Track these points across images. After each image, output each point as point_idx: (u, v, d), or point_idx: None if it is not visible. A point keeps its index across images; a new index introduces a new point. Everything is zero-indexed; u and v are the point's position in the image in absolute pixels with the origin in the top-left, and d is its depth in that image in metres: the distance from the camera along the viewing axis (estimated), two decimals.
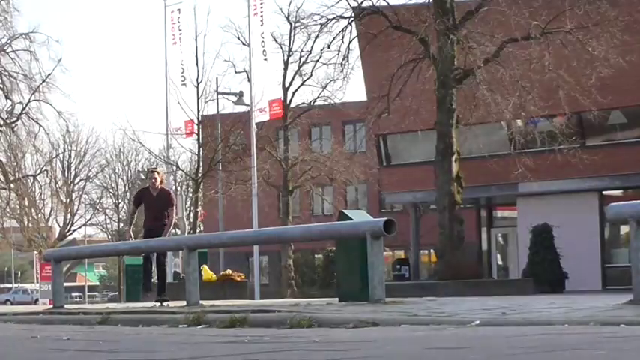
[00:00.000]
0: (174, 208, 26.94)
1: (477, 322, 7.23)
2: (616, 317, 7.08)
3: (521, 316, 7.98)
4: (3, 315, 15.01)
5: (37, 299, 65.79)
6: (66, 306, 17.26)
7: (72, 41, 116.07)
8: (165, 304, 21.32)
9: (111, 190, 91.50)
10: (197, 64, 59.72)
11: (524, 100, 47.28)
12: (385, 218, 13.42)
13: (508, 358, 4.74)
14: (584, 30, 45.26)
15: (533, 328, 6.58)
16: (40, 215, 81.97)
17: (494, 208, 58.88)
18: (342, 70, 54.92)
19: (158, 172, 26.61)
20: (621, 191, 49.56)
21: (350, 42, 51.73)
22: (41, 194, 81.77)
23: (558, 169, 51.33)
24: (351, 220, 16.05)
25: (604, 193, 50.36)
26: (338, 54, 52.72)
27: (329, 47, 53.43)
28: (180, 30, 54.26)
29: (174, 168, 64.21)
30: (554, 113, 50.15)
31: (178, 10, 53.95)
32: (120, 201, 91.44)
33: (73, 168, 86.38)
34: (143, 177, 66.51)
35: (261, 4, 49.28)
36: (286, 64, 62.51)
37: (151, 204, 25.61)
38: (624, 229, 40.72)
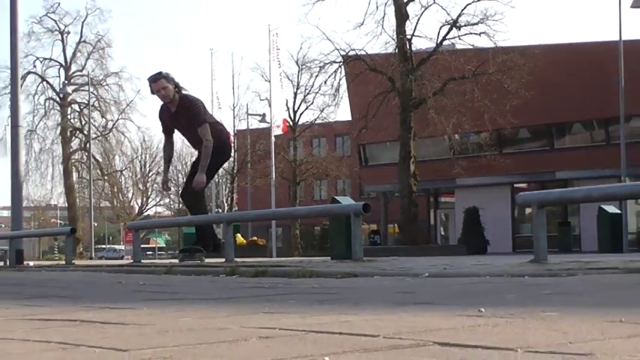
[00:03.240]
0: (205, 125, 13.10)
1: (427, 274, 7.19)
2: (522, 271, 7.03)
3: (457, 270, 7.93)
4: (99, 267, 14.88)
5: (122, 256, 65.50)
6: (142, 261, 17.11)
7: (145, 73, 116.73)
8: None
9: (173, 181, 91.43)
10: (233, 94, 60.20)
11: (461, 121, 47.29)
12: (363, 202, 13.37)
13: (448, 296, 4.71)
14: (502, 72, 45.22)
15: (465, 279, 6.54)
16: (124, 198, 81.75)
17: (439, 195, 58.79)
18: (334, 99, 55.53)
19: (165, 77, 13.01)
20: (526, 184, 49.46)
21: (340, 79, 52.09)
22: (125, 184, 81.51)
23: (483, 168, 51.26)
24: (340, 203, 16.00)
25: (515, 185, 50.27)
26: (331, 87, 53.11)
27: (325, 83, 53.53)
28: (213, 70, 54.43)
29: None
30: (480, 130, 50.22)
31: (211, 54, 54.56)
32: (179, 188, 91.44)
33: (147, 165, 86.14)
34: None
35: (278, 51, 49.23)
36: (295, 94, 62.45)
37: (175, 125, 13.82)
38: (528, 211, 40.68)
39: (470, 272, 7.48)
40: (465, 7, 48.15)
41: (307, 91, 62.84)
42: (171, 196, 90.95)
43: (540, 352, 2.44)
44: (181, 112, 12.85)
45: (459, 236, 48.99)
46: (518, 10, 60.34)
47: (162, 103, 13.09)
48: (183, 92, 13.04)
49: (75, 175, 71.23)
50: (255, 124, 65.66)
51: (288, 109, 59.46)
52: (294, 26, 64.00)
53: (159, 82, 12.18)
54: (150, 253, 62.96)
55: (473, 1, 48.13)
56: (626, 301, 4.04)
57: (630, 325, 2.98)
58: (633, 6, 42.42)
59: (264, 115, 60.30)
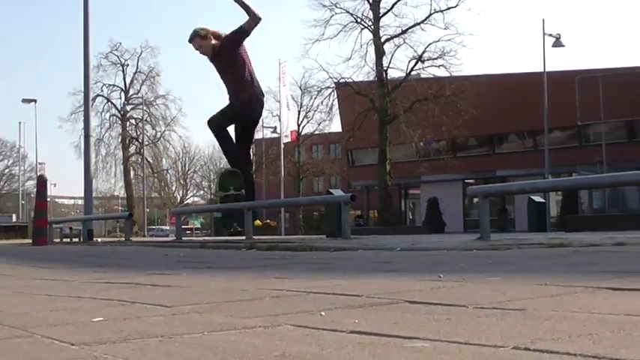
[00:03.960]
0: (247, 61, 10.03)
1: (399, 248, 7.15)
2: (471, 246, 7.00)
3: (422, 245, 7.91)
4: (149, 242, 14.87)
5: (168, 234, 65.34)
6: (182, 238, 17.09)
7: (187, 97, 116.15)
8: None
9: (206, 178, 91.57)
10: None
11: (424, 132, 47.33)
12: (351, 194, 13.39)
13: (415, 265, 4.69)
14: (455, 95, 45.23)
15: (428, 252, 6.51)
16: (169, 190, 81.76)
17: (408, 188, 58.78)
18: (328, 115, 55.99)
19: (199, 36, 9.99)
20: (473, 180, 49.45)
21: (332, 100, 52.59)
22: (170, 180, 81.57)
23: (441, 168, 51.26)
24: (333, 194, 16.00)
25: (465, 181, 50.28)
26: (326, 107, 53.78)
27: (322, 103, 54.16)
28: None
29: None
30: (439, 139, 50.17)
31: None
32: (211, 183, 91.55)
33: (186, 166, 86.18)
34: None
35: (283, 77, 49.18)
36: (299, 112, 62.70)
37: (218, 71, 10.30)
38: (475, 200, 40.64)
39: (432, 247, 7.45)
40: (427, 46, 48.34)
41: (308, 109, 63.32)
42: (204, 189, 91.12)
43: (485, 308, 2.43)
44: (220, 50, 9.74)
45: (423, 219, 49.03)
46: (468, 48, 60.71)
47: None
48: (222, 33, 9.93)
49: (132, 173, 71.47)
50: (268, 134, 65.68)
51: (295, 123, 59.73)
52: (298, 60, 64.94)
53: (193, 41, 9.76)
54: (188, 232, 62.84)
55: (433, 42, 48.37)
56: (549, 269, 4.03)
57: (553, 286, 2.97)
58: (554, 46, 43.08)
59: (275, 128, 60.34)
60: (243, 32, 9.53)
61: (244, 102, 9.93)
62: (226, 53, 9.79)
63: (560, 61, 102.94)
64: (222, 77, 10.13)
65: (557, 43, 43.09)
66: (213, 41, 9.71)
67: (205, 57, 10.02)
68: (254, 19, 9.36)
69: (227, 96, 10.20)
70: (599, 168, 40.78)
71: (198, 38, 9.75)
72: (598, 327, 1.94)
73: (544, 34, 43.28)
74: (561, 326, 1.99)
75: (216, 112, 10.19)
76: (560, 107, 44.28)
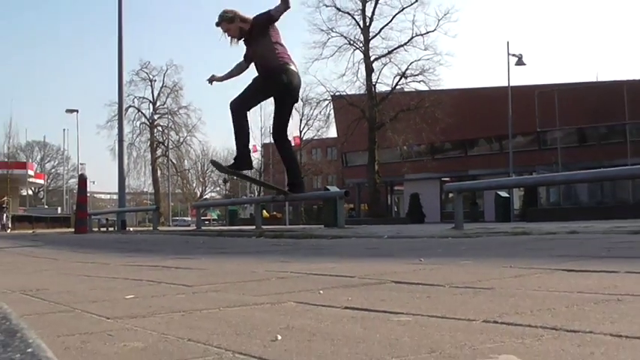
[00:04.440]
0: (275, 36, 8.26)
1: (386, 236, 7.14)
2: (447, 234, 6.99)
3: (405, 233, 7.91)
4: (173, 231, 14.88)
5: (189, 224, 65.28)
6: (202, 228, 17.07)
7: (206, 108, 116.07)
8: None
9: (222, 177, 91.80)
10: (261, 120, 60.25)
11: (407, 138, 47.30)
12: (345, 189, 13.37)
13: (400, 250, 4.68)
14: (433, 106, 45.19)
15: (410, 239, 6.51)
16: (190, 187, 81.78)
17: (393, 185, 58.73)
18: (325, 123, 55.87)
19: (224, 20, 8.32)
20: (449, 178, 49.40)
21: (329, 111, 52.49)
22: (191, 178, 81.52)
23: (422, 168, 51.28)
24: (330, 190, 15.99)
25: (442, 179, 50.20)
26: (324, 116, 53.69)
27: (320, 113, 54.11)
28: None
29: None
30: (420, 143, 50.10)
31: None
32: (226, 181, 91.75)
33: (205, 166, 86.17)
34: None
35: None
36: (301, 120, 62.76)
37: (252, 54, 8.35)
38: (451, 195, 40.70)
39: (413, 235, 7.45)
40: (410, 64, 48.38)
41: (308, 118, 63.39)
42: (220, 185, 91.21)
43: (459, 287, 2.42)
44: (252, 32, 8.13)
45: (406, 212, 49.01)
46: (445, 66, 60.83)
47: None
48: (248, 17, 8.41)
49: (158, 172, 71.54)
50: None
51: (297, 129, 59.70)
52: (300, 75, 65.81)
53: (221, 25, 8.26)
54: (207, 222, 62.62)
55: (415, 61, 48.40)
56: (513, 253, 4.02)
57: (516, 269, 2.97)
58: (517, 64, 43.11)
59: None
60: (269, 17, 8.12)
61: (267, 74, 8.21)
62: (255, 33, 8.20)
63: (522, 77, 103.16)
64: (252, 58, 8.44)
65: (520, 62, 43.14)
66: (241, 24, 8.24)
67: (231, 40, 8.40)
68: (285, 6, 7.90)
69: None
70: (555, 168, 40.83)
71: (225, 22, 8.28)
72: (555, 303, 1.94)
73: (508, 54, 43.41)
74: (524, 302, 1.99)
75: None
76: (522, 116, 44.31)
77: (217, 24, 8.33)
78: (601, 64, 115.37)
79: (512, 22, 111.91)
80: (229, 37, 8.35)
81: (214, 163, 9.05)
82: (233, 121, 8.48)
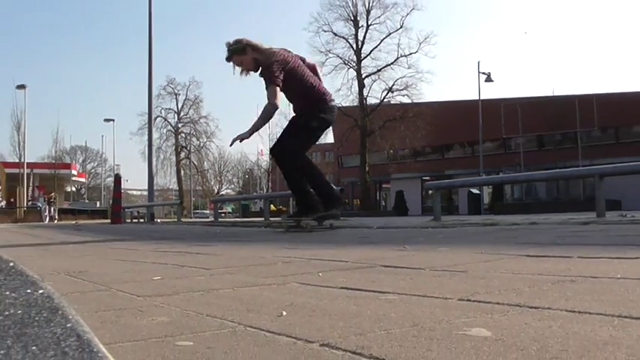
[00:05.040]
0: (272, 87, 6.10)
1: (375, 226, 7.13)
2: (427, 225, 6.99)
3: (392, 224, 7.90)
4: (195, 223, 14.87)
5: (208, 217, 65.21)
6: (219, 219, 17.06)
7: (223, 117, 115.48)
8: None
9: (236, 176, 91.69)
10: (269, 133, 60.13)
11: (393, 143, 47.37)
12: (340, 187, 13.38)
13: (387, 239, 4.67)
14: (416, 117, 45.25)
15: (396, 229, 6.50)
16: (209, 185, 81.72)
17: (382, 184, 58.71)
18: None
19: (235, 54, 6.34)
20: (429, 178, 49.42)
21: None
22: (209, 177, 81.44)
23: (406, 169, 51.32)
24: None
25: (423, 178, 50.18)
26: None
27: None
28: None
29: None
30: (404, 148, 50.12)
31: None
32: (239, 180, 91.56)
33: (221, 167, 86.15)
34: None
35: None
36: None
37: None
38: (431, 192, 40.72)
39: (399, 225, 7.44)
40: (395, 81, 48.62)
41: None
42: (235, 183, 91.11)
43: (438, 270, 2.42)
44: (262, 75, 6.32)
45: (392, 206, 49.03)
46: (426, 82, 60.88)
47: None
48: (264, 49, 6.39)
49: (182, 172, 71.70)
50: None
51: None
52: None
53: (232, 59, 6.38)
54: (223, 215, 62.49)
55: (400, 78, 48.68)
56: (483, 241, 4.02)
57: (487, 254, 2.96)
58: (486, 81, 43.18)
59: None
60: (266, 88, 6.23)
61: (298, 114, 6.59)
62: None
63: (490, 92, 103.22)
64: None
65: (488, 79, 43.28)
66: (254, 54, 6.34)
67: (245, 74, 6.52)
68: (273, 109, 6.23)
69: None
70: (518, 169, 40.86)
71: (237, 56, 6.37)
72: (519, 284, 1.93)
73: (479, 72, 43.61)
74: (493, 283, 1.98)
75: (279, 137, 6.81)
76: (491, 125, 44.37)
77: (228, 59, 6.43)
78: (557, 80, 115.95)
79: (482, 45, 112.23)
80: (243, 71, 6.47)
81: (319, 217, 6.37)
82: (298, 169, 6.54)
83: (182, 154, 71.65)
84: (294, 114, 6.65)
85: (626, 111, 43.41)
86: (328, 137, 64.10)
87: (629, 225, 5.09)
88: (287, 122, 6.73)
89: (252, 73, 6.47)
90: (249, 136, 6.15)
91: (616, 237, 3.88)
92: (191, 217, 55.55)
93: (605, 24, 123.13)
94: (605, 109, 42.63)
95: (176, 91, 70.98)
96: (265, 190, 70.84)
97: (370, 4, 50.40)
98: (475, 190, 35.25)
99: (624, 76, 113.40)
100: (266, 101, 6.16)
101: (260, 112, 6.23)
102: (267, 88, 6.16)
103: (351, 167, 57.40)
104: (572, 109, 43.42)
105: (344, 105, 49.55)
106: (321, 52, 49.84)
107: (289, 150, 6.42)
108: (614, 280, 1.89)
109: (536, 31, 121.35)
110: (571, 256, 2.66)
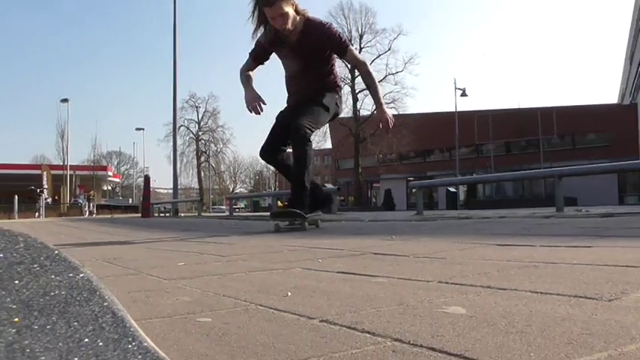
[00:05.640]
0: (351, 48, 4.41)
1: (367, 220, 7.12)
2: (411, 218, 6.98)
3: (381, 218, 7.89)
4: (213, 217, 14.83)
5: (225, 212, 65.11)
6: (233, 214, 16.98)
7: (236, 126, 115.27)
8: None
9: (248, 177, 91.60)
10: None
11: (382, 149, 47.33)
12: (337, 186, 13.40)
13: (377, 230, 4.66)
14: (402, 126, 45.19)
15: (385, 222, 6.49)
16: (225, 184, 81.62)
17: (372, 183, 58.63)
18: (323, 138, 55.46)
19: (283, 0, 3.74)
20: (413, 178, 49.40)
21: (326, 128, 52.34)
22: (225, 177, 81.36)
23: (393, 171, 51.30)
24: (327, 187, 16.00)
25: (408, 179, 50.16)
26: (322, 132, 53.60)
27: (320, 130, 54.00)
28: None
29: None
30: (391, 152, 50.08)
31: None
32: (251, 180, 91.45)
33: (236, 169, 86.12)
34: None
35: None
36: None
37: (291, 58, 4.32)
38: (414, 190, 40.69)
39: (387, 219, 7.43)
40: (384, 96, 48.19)
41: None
42: (247, 183, 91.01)
43: (420, 257, 2.42)
44: (308, 39, 4.49)
45: (382, 202, 49.00)
46: (410, 96, 60.75)
47: (271, 31, 4.43)
48: (309, 15, 4.53)
49: (202, 174, 71.59)
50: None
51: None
52: None
53: (275, 5, 4.23)
54: (237, 210, 62.24)
55: (387, 93, 48.68)
56: (459, 232, 4.02)
57: (462, 244, 2.96)
58: (462, 95, 43.18)
59: None
60: (344, 52, 4.68)
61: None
62: (309, 48, 4.60)
63: (465, 105, 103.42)
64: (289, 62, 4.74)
65: (464, 94, 43.24)
66: (294, 13, 4.41)
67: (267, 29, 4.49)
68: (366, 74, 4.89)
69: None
70: (489, 171, 40.84)
71: (282, 3, 4.29)
72: (490, 269, 1.93)
73: (455, 88, 43.62)
74: (467, 268, 1.98)
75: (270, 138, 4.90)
76: (466, 133, 44.39)
77: (269, 3, 4.27)
78: (522, 94, 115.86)
79: (458, 64, 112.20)
80: (277, 24, 4.35)
81: None
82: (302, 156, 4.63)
83: (202, 158, 71.65)
84: (293, 93, 4.83)
85: (581, 120, 43.45)
86: (327, 143, 64.12)
87: (584, 219, 5.10)
88: (294, 102, 4.82)
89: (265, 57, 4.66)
90: (390, 113, 4.87)
91: (573, 228, 3.88)
92: (210, 212, 55.53)
93: (565, 45, 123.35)
94: (563, 119, 42.71)
95: (197, 104, 70.98)
96: (273, 189, 70.95)
97: (363, 30, 50.57)
98: (452, 189, 35.26)
99: (580, 89, 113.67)
100: (363, 68, 4.75)
101: (373, 79, 4.80)
102: (345, 52, 4.59)
103: (346, 169, 57.42)
104: (534, 119, 43.51)
105: (341, 116, 49.64)
106: None
107: (308, 132, 4.61)
108: (571, 266, 1.89)
109: (503, 51, 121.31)
110: (534, 245, 2.66)
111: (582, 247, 2.44)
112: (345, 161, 58.60)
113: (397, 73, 48.95)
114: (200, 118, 71.01)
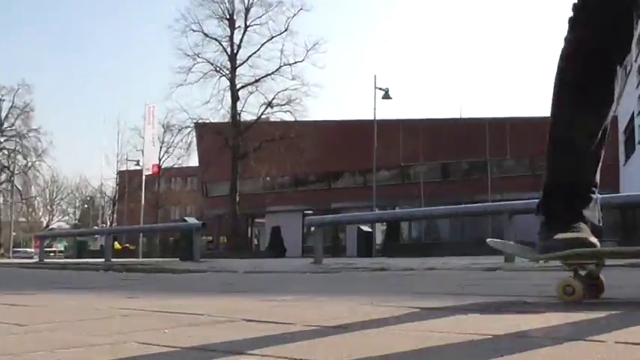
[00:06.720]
0: None
1: (242, 271, 7.12)
2: (306, 269, 7.07)
3: (264, 268, 7.92)
4: (12, 264, 14.20)
5: (32, 256, 62.51)
6: (45, 260, 16.39)
7: (56, 129, 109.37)
8: None
9: (72, 205, 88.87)
10: (118, 145, 58.67)
11: (271, 168, 47.85)
12: (202, 222, 13.27)
13: (256, 287, 4.67)
14: (299, 137, 45.78)
15: (268, 274, 6.52)
16: (36, 215, 78.68)
17: (255, 217, 58.57)
18: (186, 151, 55.73)
19: None
20: (312, 211, 49.98)
21: (191, 138, 52.29)
22: (37, 205, 78.27)
23: (285, 200, 51.64)
24: (187, 222, 15.76)
25: (304, 212, 50.70)
26: (185, 144, 53.56)
27: (181, 140, 53.71)
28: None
29: None
30: (283, 175, 50.56)
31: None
32: (76, 210, 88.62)
33: (54, 193, 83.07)
34: None
35: (152, 118, 48.02)
36: (160, 147, 62.11)
37: None
38: (312, 228, 41.04)
39: (272, 269, 7.48)
40: (277, 94, 49.27)
41: (169, 145, 62.39)
42: (70, 214, 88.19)
43: (313, 326, 2.44)
44: None
45: (267, 245, 49.05)
46: (312, 96, 61.70)
47: None
48: None
49: (1, 199, 69.03)
50: (131, 167, 64.21)
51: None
52: (162, 102, 64.38)
53: None
54: (52, 254, 59.82)
55: (281, 90, 49.35)
56: (370, 289, 4.10)
57: (369, 306, 3.02)
58: (383, 98, 44.36)
59: (138, 161, 58.87)
60: None
61: None
62: None
63: (388, 111, 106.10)
64: None
65: (386, 96, 44.37)
66: None
67: None
68: None
69: None
70: (417, 203, 42.15)
71: None
72: (405, 344, 1.97)
73: (375, 87, 44.60)
74: (373, 343, 2.01)
75: None
76: (387, 150, 45.59)
77: None
78: (464, 98, 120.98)
79: (379, 56, 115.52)
80: None
81: None
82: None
83: (2, 177, 68.83)
84: None
85: (543, 137, 45.82)
86: (192, 159, 63.66)
87: (542, 272, 5.16)
88: None
89: None
90: None
91: (527, 286, 4.04)
92: (9, 257, 53.18)
93: (525, 40, 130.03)
94: (519, 136, 44.75)
95: None
96: (109, 224, 69.12)
97: (250, 1, 50.88)
98: (366, 228, 35.98)
99: (540, 97, 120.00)
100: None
101: None
102: None
103: (218, 197, 57.11)
104: (482, 133, 45.39)
105: (213, 121, 49.51)
106: (188, 55, 49.73)
107: None
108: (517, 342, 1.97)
109: (441, 42, 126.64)
110: (466, 311, 2.75)
111: (533, 315, 2.54)
112: (216, 186, 58.39)
113: (296, 63, 49.76)
114: (3, 117, 68.51)
